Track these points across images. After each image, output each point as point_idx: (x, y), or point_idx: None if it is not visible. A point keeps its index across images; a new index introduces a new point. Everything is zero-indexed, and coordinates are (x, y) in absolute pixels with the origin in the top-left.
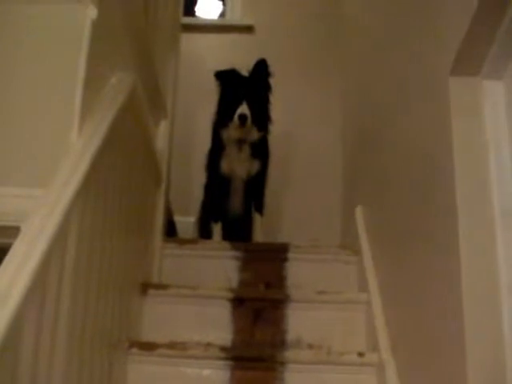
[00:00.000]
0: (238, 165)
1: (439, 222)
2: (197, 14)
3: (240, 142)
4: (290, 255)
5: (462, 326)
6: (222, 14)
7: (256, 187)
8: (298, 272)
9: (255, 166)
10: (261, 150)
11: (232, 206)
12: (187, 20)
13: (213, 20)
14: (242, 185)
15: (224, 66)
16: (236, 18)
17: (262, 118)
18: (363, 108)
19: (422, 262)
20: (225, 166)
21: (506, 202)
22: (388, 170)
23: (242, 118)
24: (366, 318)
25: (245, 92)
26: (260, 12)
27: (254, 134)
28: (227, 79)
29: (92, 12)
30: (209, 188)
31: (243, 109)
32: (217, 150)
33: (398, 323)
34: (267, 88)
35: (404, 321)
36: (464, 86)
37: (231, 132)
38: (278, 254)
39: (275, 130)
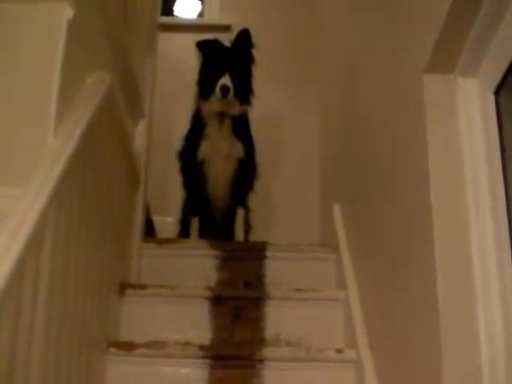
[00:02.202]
0: (220, 142)
1: (415, 219)
2: (175, 13)
3: (222, 116)
4: (269, 253)
5: (436, 323)
6: (201, 14)
7: (241, 175)
8: (277, 270)
9: (238, 148)
10: (243, 129)
11: (212, 196)
12: (165, 19)
13: (191, 20)
14: (224, 171)
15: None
16: (214, 17)
17: (244, 90)
18: (340, 108)
19: (398, 259)
20: (204, 147)
21: (481, 202)
22: (365, 168)
23: (224, 89)
24: (344, 315)
25: (227, 63)
26: (238, 12)
27: (236, 108)
28: (209, 49)
29: (68, 12)
30: (185, 175)
31: (225, 80)
32: (195, 128)
33: (376, 320)
34: (250, 59)
35: (381, 317)
36: (438, 84)
37: (212, 105)
38: (256, 252)
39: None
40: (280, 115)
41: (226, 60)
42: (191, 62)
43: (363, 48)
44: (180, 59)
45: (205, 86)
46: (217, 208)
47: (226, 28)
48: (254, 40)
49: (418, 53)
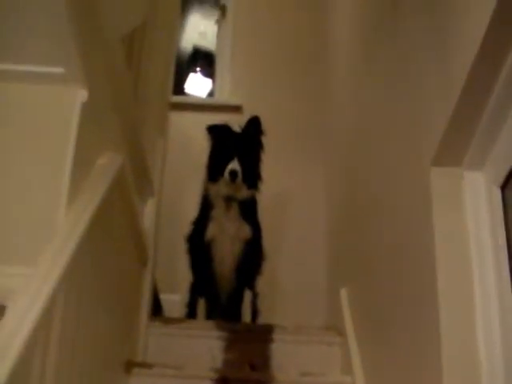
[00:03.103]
0: (227, 224)
1: (421, 305)
2: (186, 91)
3: (229, 200)
4: (275, 336)
5: None
6: (211, 93)
7: (248, 257)
8: (283, 353)
9: (246, 230)
10: (250, 213)
11: (219, 276)
12: (176, 98)
13: (201, 99)
14: (231, 251)
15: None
16: (225, 97)
17: (252, 175)
18: (347, 192)
19: (404, 345)
20: (212, 228)
21: (487, 291)
22: (372, 254)
23: (233, 173)
24: None
25: (236, 148)
26: (248, 92)
27: (244, 192)
28: (219, 134)
29: (83, 94)
30: (193, 257)
31: (234, 165)
32: (204, 211)
33: None
34: (259, 145)
35: None
36: (445, 177)
37: (220, 188)
38: (263, 334)
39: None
40: (286, 197)
41: (236, 145)
42: (201, 140)
43: (371, 133)
44: (190, 137)
45: (214, 169)
46: (223, 289)
47: (237, 108)
48: (264, 127)
49: (426, 145)
